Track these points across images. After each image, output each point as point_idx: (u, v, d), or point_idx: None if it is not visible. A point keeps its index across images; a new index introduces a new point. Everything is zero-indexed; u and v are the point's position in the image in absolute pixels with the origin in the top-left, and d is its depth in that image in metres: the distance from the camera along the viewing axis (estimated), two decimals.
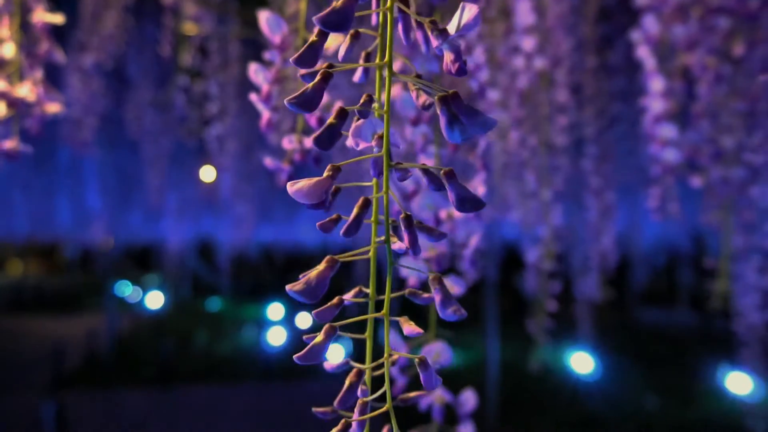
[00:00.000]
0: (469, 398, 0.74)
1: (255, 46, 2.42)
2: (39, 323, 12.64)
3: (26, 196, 6.31)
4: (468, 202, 0.42)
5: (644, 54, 1.07)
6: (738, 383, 6.54)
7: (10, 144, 0.78)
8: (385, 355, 0.45)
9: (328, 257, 0.45)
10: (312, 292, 0.43)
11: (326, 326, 0.46)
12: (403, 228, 0.44)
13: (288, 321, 11.26)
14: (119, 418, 6.37)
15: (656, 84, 1.03)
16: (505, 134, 1.26)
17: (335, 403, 0.46)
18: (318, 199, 0.45)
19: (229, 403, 6.94)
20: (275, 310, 11.79)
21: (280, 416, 6.47)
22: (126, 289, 16.11)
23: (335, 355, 7.70)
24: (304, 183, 0.44)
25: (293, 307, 12.30)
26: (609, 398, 7.02)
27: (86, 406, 6.60)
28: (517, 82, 1.20)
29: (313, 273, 0.44)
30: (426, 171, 0.44)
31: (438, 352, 0.67)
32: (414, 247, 0.43)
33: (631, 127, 2.04)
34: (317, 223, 0.47)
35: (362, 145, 0.45)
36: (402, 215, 0.44)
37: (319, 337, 0.46)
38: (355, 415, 0.46)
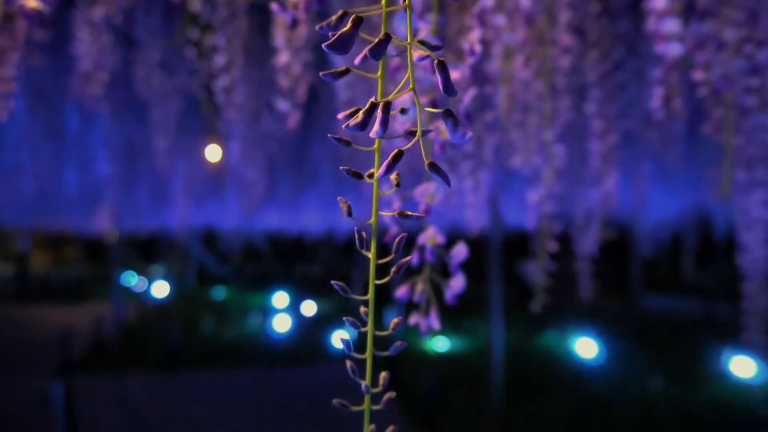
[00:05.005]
0: (461, 250, 0.73)
1: (263, 9, 2.44)
2: (46, 312, 12.73)
3: (32, 185, 6.34)
4: None
5: None
6: (742, 366, 6.56)
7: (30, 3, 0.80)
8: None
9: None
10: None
11: (353, 16, 0.44)
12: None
13: (293, 309, 11.33)
14: (126, 400, 6.42)
15: None
16: (510, 59, 1.27)
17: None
18: None
19: (234, 387, 6.99)
20: (280, 299, 11.87)
21: (284, 400, 6.51)
22: (132, 279, 16.21)
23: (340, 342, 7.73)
24: None
25: (298, 295, 12.38)
26: (613, 382, 7.04)
27: (94, 388, 6.65)
28: (520, 3, 1.20)
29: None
30: None
31: (431, 193, 0.66)
32: None
33: (635, 76, 2.04)
34: None
35: None
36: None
37: (347, 26, 0.44)
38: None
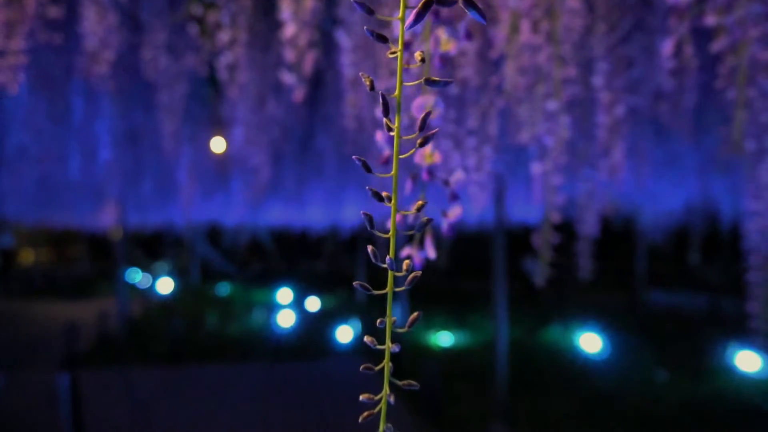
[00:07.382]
0: (459, 176, 0.69)
1: None
2: (52, 308, 12.78)
3: (36, 180, 6.35)
4: None
5: None
6: (747, 361, 6.54)
7: None
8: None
9: None
10: None
11: None
12: None
13: (297, 304, 11.35)
14: (131, 393, 6.44)
15: None
16: (516, 27, 1.27)
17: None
18: None
19: (238, 382, 7.00)
20: (284, 295, 11.89)
21: (288, 394, 6.51)
22: (136, 276, 16.25)
23: (345, 335, 7.69)
24: None
25: (302, 291, 12.40)
26: (618, 377, 7.02)
27: (100, 381, 6.68)
28: None
29: None
30: None
31: (430, 104, 0.60)
32: None
33: (643, 52, 2.03)
34: None
35: None
36: None
37: None
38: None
